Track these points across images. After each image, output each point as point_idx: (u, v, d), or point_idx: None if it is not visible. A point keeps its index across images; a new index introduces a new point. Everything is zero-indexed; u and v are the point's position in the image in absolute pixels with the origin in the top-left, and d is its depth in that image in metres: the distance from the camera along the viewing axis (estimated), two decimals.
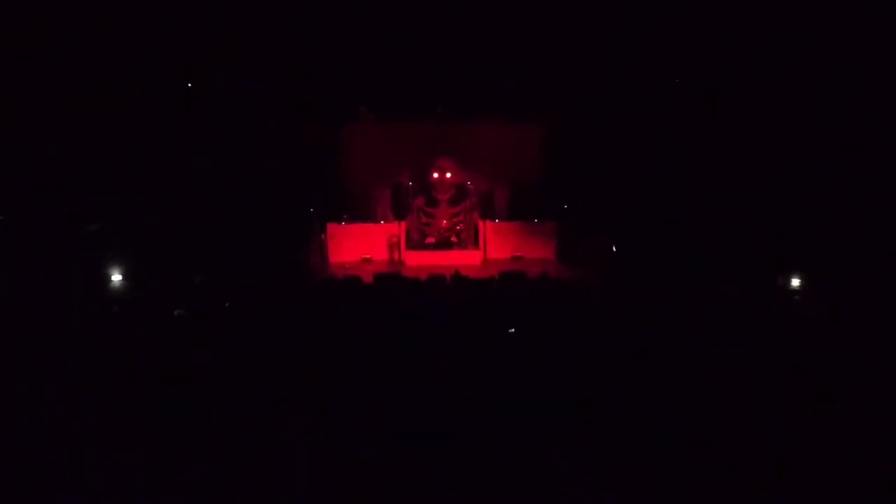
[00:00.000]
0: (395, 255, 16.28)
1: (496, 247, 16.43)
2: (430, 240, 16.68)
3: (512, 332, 8.17)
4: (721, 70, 12.35)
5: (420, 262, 15.63)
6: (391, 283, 12.07)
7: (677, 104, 13.36)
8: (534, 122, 16.14)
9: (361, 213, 16.72)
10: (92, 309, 10.00)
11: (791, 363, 6.80)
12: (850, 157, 11.40)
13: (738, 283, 10.93)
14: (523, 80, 14.59)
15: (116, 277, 12.24)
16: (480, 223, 16.58)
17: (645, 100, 13.72)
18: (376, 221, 16.69)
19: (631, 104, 13.94)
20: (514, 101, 15.35)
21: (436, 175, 16.59)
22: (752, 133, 12.51)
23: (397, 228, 16.47)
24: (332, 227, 16.29)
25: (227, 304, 10.09)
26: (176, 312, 9.31)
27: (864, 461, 4.69)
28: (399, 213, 16.79)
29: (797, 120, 11.92)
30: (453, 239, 16.66)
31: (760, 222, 12.27)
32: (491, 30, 12.44)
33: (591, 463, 4.79)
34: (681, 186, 13.28)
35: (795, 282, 11.92)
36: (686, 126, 13.26)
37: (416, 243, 16.59)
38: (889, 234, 10.80)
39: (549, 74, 14.22)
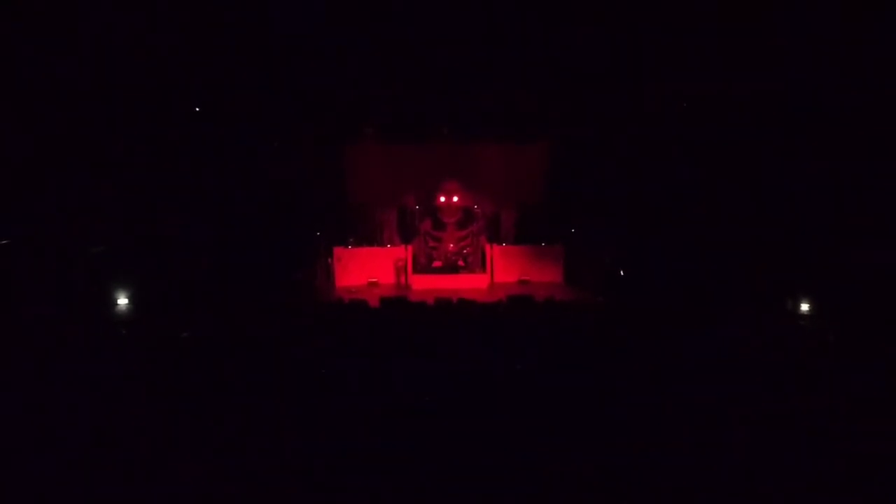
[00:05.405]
0: (402, 279, 16.26)
1: (503, 270, 16.40)
2: (437, 263, 16.66)
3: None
4: (728, 88, 12.31)
5: (427, 285, 15.62)
6: (398, 306, 12.02)
7: (685, 125, 13.35)
8: (539, 142, 16.19)
9: (367, 236, 16.73)
10: (98, 332, 10.01)
11: (801, 388, 6.73)
12: (862, 179, 11.35)
13: (747, 305, 10.86)
14: (528, 101, 14.62)
15: (122, 300, 12.27)
16: (487, 247, 16.55)
17: (652, 121, 13.72)
18: (383, 245, 16.70)
19: (638, 126, 13.94)
20: (519, 123, 15.39)
21: (443, 199, 16.61)
22: (762, 153, 12.48)
23: (404, 252, 16.46)
24: (338, 250, 16.29)
25: (232, 328, 10.05)
26: (183, 335, 9.30)
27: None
28: (405, 237, 16.79)
29: (806, 138, 11.89)
30: (460, 263, 16.63)
31: (770, 244, 12.19)
32: (496, 51, 12.48)
33: (597, 487, 4.73)
34: (689, 209, 13.24)
35: (805, 306, 11.86)
36: (694, 147, 13.24)
37: (422, 267, 16.57)
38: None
39: (554, 96, 14.24)
